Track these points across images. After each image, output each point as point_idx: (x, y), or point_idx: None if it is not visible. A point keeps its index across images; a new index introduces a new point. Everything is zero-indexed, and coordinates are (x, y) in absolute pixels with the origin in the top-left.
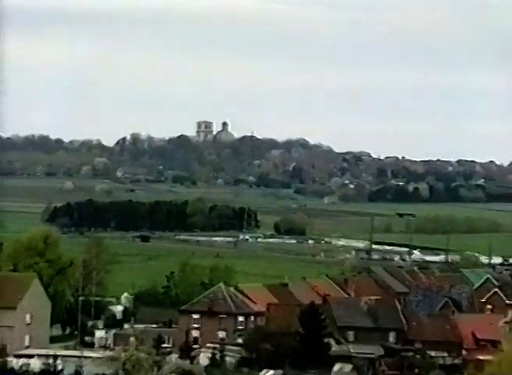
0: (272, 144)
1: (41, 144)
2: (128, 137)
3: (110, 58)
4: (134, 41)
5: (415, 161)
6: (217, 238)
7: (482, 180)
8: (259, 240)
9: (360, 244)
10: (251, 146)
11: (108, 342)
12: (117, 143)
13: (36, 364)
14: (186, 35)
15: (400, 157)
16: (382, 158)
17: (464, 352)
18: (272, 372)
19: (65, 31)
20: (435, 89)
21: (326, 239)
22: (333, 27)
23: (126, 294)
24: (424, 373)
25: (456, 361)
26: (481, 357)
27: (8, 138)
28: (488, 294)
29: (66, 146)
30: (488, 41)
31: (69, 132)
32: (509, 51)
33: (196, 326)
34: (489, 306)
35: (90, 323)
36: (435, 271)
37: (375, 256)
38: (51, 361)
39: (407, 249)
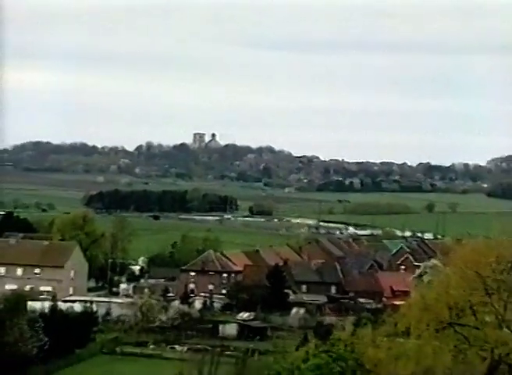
0: (247, 149)
1: (81, 149)
2: (144, 145)
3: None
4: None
5: (351, 162)
6: (208, 217)
7: (398, 176)
8: (238, 219)
9: (311, 222)
10: (233, 151)
11: (129, 292)
12: (136, 148)
13: (78, 307)
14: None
15: (340, 159)
16: (327, 160)
17: (384, 299)
18: (247, 314)
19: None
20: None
21: (287, 218)
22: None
23: (142, 258)
24: (356, 315)
25: (379, 305)
26: (396, 302)
27: (57, 145)
28: (402, 258)
29: (100, 151)
30: None
31: (101, 140)
32: None
33: (192, 280)
34: (403, 267)
35: (116, 278)
36: (364, 241)
37: (322, 231)
38: (88, 305)
39: (344, 226)
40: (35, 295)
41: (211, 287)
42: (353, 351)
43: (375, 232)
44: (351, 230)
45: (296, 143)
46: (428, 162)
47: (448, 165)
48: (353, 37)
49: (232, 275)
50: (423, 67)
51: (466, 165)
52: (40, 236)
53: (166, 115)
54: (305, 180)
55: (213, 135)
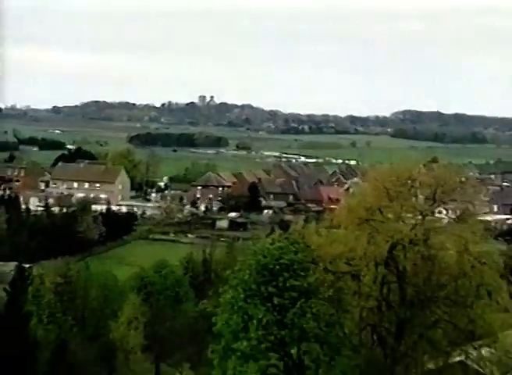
0: (235, 106)
1: (125, 105)
2: (166, 103)
3: None
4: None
5: (302, 114)
6: (208, 151)
7: (333, 124)
8: (229, 152)
9: (277, 154)
10: (225, 107)
11: (157, 199)
12: (161, 105)
13: (124, 209)
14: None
15: (296, 112)
16: (287, 113)
17: (323, 204)
18: (234, 213)
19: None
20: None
21: (261, 152)
22: None
23: (165, 177)
24: (306, 214)
25: (320, 208)
26: (331, 206)
27: (109, 103)
28: (335, 177)
29: (137, 106)
30: None
31: (138, 99)
32: None
33: (198, 192)
34: (336, 183)
35: (148, 190)
36: (310, 166)
37: (283, 159)
38: (131, 207)
39: (298, 156)
40: (96, 201)
41: (210, 196)
42: (304, 237)
43: (319, 160)
44: (303, 159)
45: (267, 101)
46: (352, 115)
47: (365, 116)
48: None
49: (225, 188)
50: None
51: (376, 116)
52: (99, 162)
53: (181, 82)
54: (273, 126)
55: (211, 97)
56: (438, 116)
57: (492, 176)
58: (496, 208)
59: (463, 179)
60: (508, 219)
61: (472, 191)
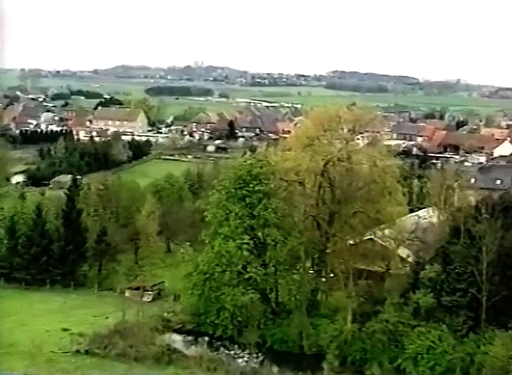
0: (216, 67)
1: (142, 67)
2: (171, 65)
3: None
4: None
5: (263, 72)
6: (200, 99)
7: (285, 79)
8: (214, 100)
9: (247, 100)
10: (211, 68)
11: (166, 132)
12: (168, 67)
13: (143, 138)
14: None
15: (264, 72)
16: (259, 72)
17: (279, 135)
18: (219, 141)
19: None
20: None
21: (236, 99)
22: None
23: (171, 116)
24: (267, 141)
25: (277, 137)
26: (285, 136)
27: (132, 66)
28: (288, 116)
29: (151, 68)
30: None
31: (149, 62)
32: None
33: (194, 126)
34: (288, 120)
35: (159, 126)
36: (270, 109)
37: (251, 104)
38: (147, 137)
39: (261, 102)
40: (124, 133)
41: (202, 129)
42: (266, 157)
43: (275, 105)
44: (265, 104)
45: (239, 62)
46: (298, 73)
47: (307, 74)
48: None
49: (212, 124)
50: None
51: (315, 74)
52: (125, 107)
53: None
54: (244, 81)
55: (202, 62)
56: (356, 73)
57: (392, 114)
58: (395, 136)
59: (373, 116)
60: (402, 143)
61: (379, 125)
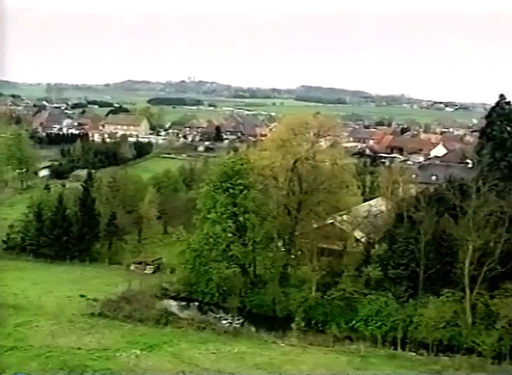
0: (206, 83)
1: (145, 82)
2: (168, 80)
3: None
4: None
5: (244, 87)
6: (193, 107)
7: (262, 92)
8: (204, 108)
9: (231, 109)
10: (202, 83)
11: (164, 134)
12: (166, 82)
13: (146, 140)
14: None
15: (245, 86)
16: (241, 86)
17: (257, 138)
18: (207, 142)
19: None
20: None
21: (222, 108)
22: None
23: (169, 122)
24: (246, 143)
25: (255, 139)
26: (262, 138)
27: (136, 81)
28: (264, 122)
29: (152, 83)
30: None
31: (151, 77)
32: None
33: (187, 130)
34: (264, 125)
35: (159, 130)
36: (250, 116)
37: (234, 112)
38: (149, 139)
39: (243, 110)
40: (130, 136)
41: (194, 133)
42: (246, 156)
43: (255, 113)
44: (246, 112)
45: (225, 78)
46: (273, 87)
47: (280, 88)
48: None
49: (202, 129)
50: None
51: (287, 88)
52: (131, 114)
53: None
54: (228, 93)
55: (194, 77)
56: (320, 88)
57: (350, 122)
58: (351, 139)
59: (334, 123)
60: (357, 146)
61: (339, 130)
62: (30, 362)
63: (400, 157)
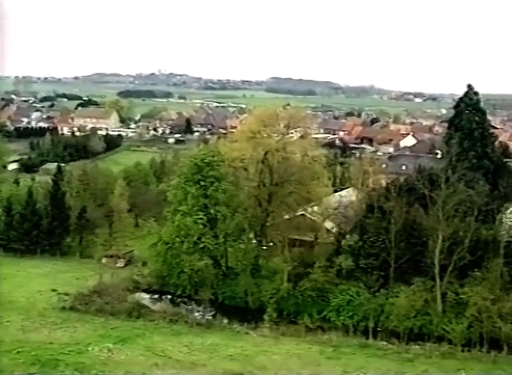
0: (176, 75)
1: (115, 75)
2: (138, 72)
3: None
4: None
5: (214, 79)
6: (162, 100)
7: (232, 84)
8: (174, 100)
9: (201, 101)
10: (172, 75)
11: (134, 127)
12: (136, 74)
13: (115, 133)
14: None
15: (215, 78)
16: (211, 78)
17: (228, 129)
18: (178, 135)
19: None
20: None
21: (192, 100)
22: None
23: (138, 115)
24: (217, 134)
25: (226, 132)
26: (232, 130)
27: (113, 73)
28: (234, 114)
29: (121, 75)
30: None
31: (121, 70)
32: None
33: (157, 122)
34: (235, 117)
35: (129, 122)
36: (220, 108)
37: (204, 104)
38: (119, 132)
39: (213, 102)
40: (100, 129)
41: (164, 125)
42: (217, 147)
43: (224, 105)
44: (215, 104)
45: (195, 70)
46: (243, 79)
47: (251, 80)
48: None
49: (172, 121)
50: None
51: (257, 80)
52: (100, 107)
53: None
54: (198, 85)
55: (165, 70)
56: (290, 79)
57: (320, 113)
58: (321, 130)
59: (304, 115)
60: (327, 137)
61: (309, 122)
62: (1, 358)
63: (370, 148)
